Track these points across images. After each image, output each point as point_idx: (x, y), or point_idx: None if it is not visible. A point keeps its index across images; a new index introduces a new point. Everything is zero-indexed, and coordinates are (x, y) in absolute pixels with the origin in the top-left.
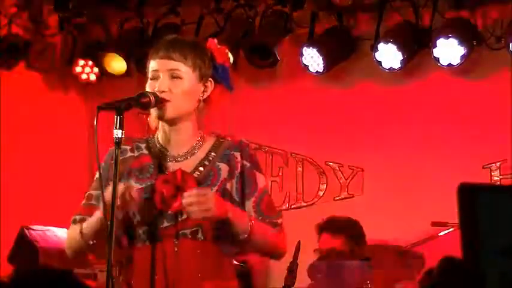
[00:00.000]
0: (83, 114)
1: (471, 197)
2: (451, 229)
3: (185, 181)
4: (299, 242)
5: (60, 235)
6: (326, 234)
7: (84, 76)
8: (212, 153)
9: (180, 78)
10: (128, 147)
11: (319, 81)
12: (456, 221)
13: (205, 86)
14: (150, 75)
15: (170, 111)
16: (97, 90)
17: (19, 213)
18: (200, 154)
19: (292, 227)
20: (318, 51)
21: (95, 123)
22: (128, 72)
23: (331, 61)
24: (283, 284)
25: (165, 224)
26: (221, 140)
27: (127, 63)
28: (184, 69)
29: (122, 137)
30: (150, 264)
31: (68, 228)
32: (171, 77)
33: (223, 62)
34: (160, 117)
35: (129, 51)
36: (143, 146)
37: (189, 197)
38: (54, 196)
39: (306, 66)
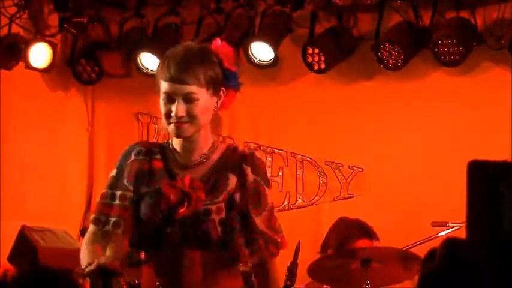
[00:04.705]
0: (83, 114)
1: (490, 177)
2: (451, 229)
3: (193, 188)
4: (299, 242)
5: (60, 235)
6: (365, 239)
7: (84, 76)
8: (222, 163)
9: (196, 100)
10: (143, 149)
11: (319, 81)
12: (456, 221)
13: (219, 96)
14: (163, 96)
15: (189, 131)
16: (97, 90)
17: (19, 213)
18: (210, 162)
19: (292, 227)
20: (318, 51)
21: None
22: (127, 72)
23: (331, 61)
24: (283, 284)
25: (169, 229)
26: (232, 150)
27: (127, 63)
28: (199, 91)
29: None
30: (154, 270)
31: (67, 228)
32: (186, 101)
33: (230, 66)
34: (179, 136)
35: (129, 51)
36: (156, 150)
37: None
38: (54, 196)
39: (306, 66)
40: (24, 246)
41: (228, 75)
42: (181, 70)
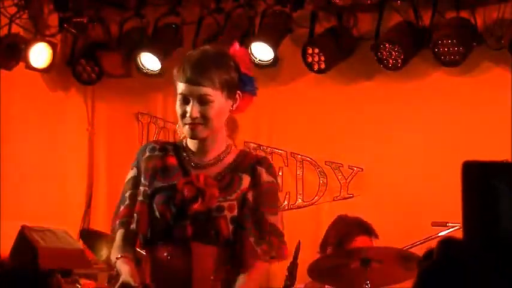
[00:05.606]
0: (83, 114)
1: (485, 176)
2: (451, 229)
3: (207, 185)
4: (299, 242)
5: (60, 235)
6: (364, 236)
7: (84, 76)
8: (235, 164)
9: (211, 102)
10: (157, 146)
11: (319, 81)
12: (456, 221)
13: (235, 100)
14: (179, 97)
15: (203, 133)
16: (97, 90)
17: (19, 213)
18: (223, 164)
19: (292, 227)
20: (318, 51)
21: None
22: (127, 72)
23: (331, 61)
24: (283, 285)
25: (181, 224)
26: (244, 154)
27: (127, 63)
28: (214, 93)
29: None
30: (165, 263)
31: (67, 228)
32: (201, 102)
33: (246, 70)
34: (193, 137)
35: (129, 51)
36: (170, 148)
37: None
38: (54, 196)
39: (306, 66)
40: (24, 246)
41: (244, 80)
42: (196, 72)
